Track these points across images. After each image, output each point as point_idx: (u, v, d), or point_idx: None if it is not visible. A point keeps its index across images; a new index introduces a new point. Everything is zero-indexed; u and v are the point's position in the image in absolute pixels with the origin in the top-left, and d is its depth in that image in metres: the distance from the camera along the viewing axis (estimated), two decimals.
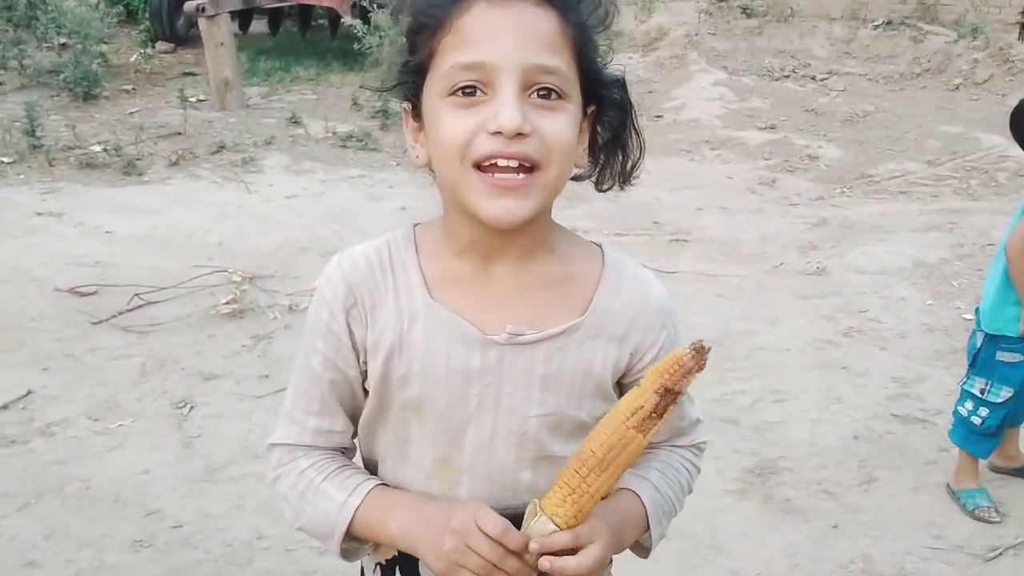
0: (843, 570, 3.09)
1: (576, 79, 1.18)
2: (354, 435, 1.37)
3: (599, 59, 1.23)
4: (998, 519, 3.32)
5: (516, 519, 1.20)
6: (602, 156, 1.29)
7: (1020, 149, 3.35)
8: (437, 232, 1.30)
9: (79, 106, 8.53)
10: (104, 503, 3.31)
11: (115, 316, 4.66)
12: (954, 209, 6.82)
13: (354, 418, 1.35)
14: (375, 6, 8.75)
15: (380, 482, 1.31)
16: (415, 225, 1.33)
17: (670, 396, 1.12)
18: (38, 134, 7.02)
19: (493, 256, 1.25)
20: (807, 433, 3.88)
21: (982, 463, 3.53)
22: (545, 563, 1.16)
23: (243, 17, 11.03)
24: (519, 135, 1.12)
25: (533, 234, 1.24)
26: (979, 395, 3.33)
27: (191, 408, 3.93)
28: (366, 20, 8.85)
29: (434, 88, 1.17)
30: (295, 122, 8.23)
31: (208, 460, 3.58)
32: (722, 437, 3.78)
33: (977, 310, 3.41)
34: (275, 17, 11.47)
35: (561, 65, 1.15)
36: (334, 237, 5.86)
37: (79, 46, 8.76)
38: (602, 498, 1.18)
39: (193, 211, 6.17)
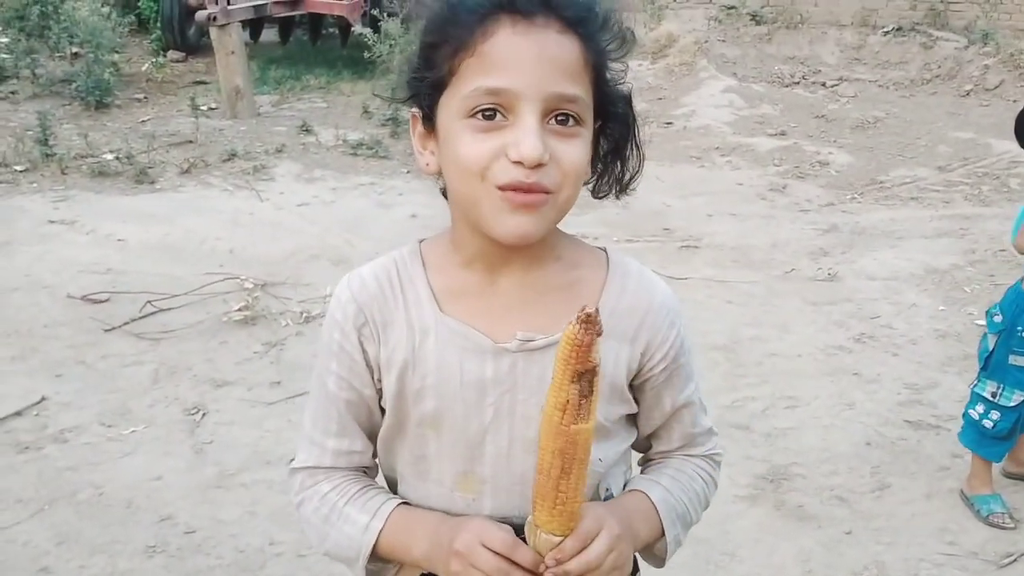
0: None
1: (592, 103, 1.20)
2: (374, 454, 1.37)
3: (614, 78, 1.25)
4: (1012, 525, 3.30)
5: None
6: (600, 166, 1.30)
7: None
8: (443, 246, 1.31)
9: (91, 115, 8.59)
10: (117, 509, 3.32)
11: (127, 323, 4.69)
12: (965, 215, 6.80)
13: (373, 437, 1.35)
14: (385, 14, 8.78)
15: (401, 501, 1.31)
16: (420, 241, 1.34)
17: (588, 375, 1.10)
18: (51, 143, 7.06)
19: (500, 266, 1.27)
20: (819, 439, 3.87)
21: (996, 469, 3.52)
22: (551, 560, 1.16)
23: (254, 26, 11.07)
24: (538, 165, 1.13)
25: (539, 243, 1.24)
26: (991, 398, 3.32)
27: (203, 415, 3.94)
28: (376, 29, 8.88)
29: (452, 106, 1.17)
30: (306, 130, 8.26)
31: (220, 466, 3.59)
32: (734, 443, 3.77)
33: (987, 313, 3.40)
34: (286, 26, 11.51)
35: (581, 93, 1.17)
36: (345, 245, 5.88)
37: (91, 55, 8.81)
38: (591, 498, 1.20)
39: (205, 219, 6.20)
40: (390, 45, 8.54)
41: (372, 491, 1.33)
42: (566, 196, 1.20)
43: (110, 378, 4.20)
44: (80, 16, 9.02)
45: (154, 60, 9.93)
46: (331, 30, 11.85)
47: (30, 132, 7.28)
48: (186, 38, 10.77)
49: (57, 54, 9.52)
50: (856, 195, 7.33)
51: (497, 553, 1.17)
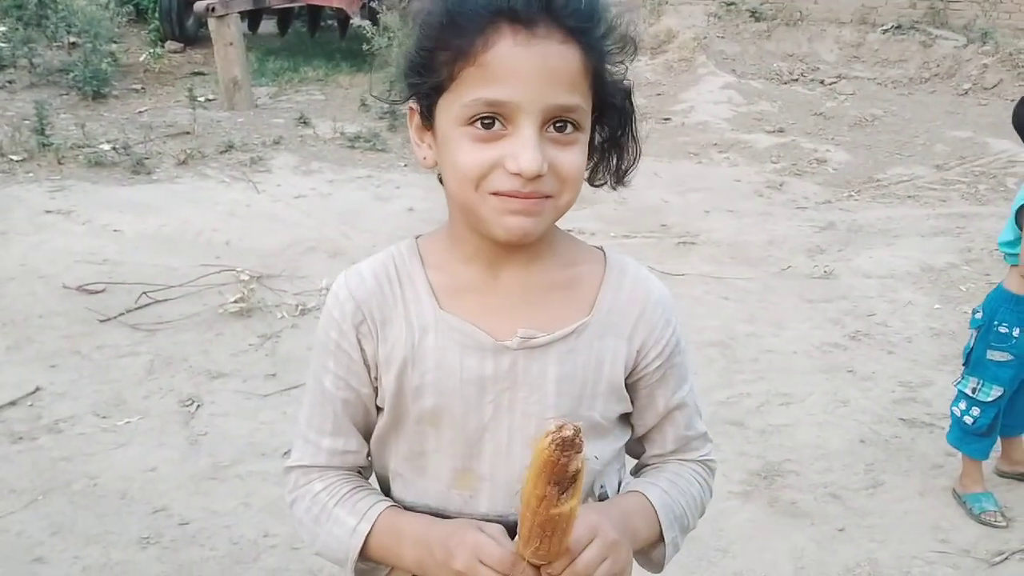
0: (849, 573, 3.08)
1: (591, 106, 1.20)
2: (369, 454, 1.37)
3: (615, 75, 1.24)
4: (1004, 523, 3.31)
5: None
6: (596, 155, 1.29)
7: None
8: (442, 242, 1.31)
9: (88, 105, 8.56)
10: (111, 500, 3.32)
11: (123, 314, 4.68)
12: (962, 214, 6.81)
13: (368, 436, 1.35)
14: (384, 7, 8.76)
15: (390, 504, 1.31)
16: (417, 237, 1.34)
17: (566, 482, 1.06)
18: (47, 132, 7.04)
19: (500, 263, 1.26)
20: (813, 436, 3.88)
21: (988, 468, 3.53)
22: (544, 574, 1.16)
23: (252, 17, 11.05)
24: (537, 176, 1.14)
25: (538, 240, 1.24)
26: (971, 394, 3.36)
27: (198, 406, 3.94)
28: (375, 21, 8.86)
29: (451, 112, 1.17)
30: (303, 122, 8.25)
31: (215, 458, 3.58)
32: (728, 440, 3.78)
33: (973, 311, 3.43)
34: (284, 17, 11.50)
35: (580, 101, 1.17)
36: (341, 237, 5.87)
37: (89, 45, 8.78)
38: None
39: (201, 210, 6.18)
40: (389, 38, 8.53)
41: (362, 492, 1.32)
42: (566, 200, 1.20)
43: (105, 369, 4.20)
44: (78, 6, 9.01)
45: (152, 51, 9.91)
46: (330, 22, 11.84)
47: (27, 121, 7.26)
48: (184, 29, 10.74)
49: (55, 43, 9.48)
50: (853, 193, 7.34)
51: (496, 570, 1.16)
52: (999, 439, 3.55)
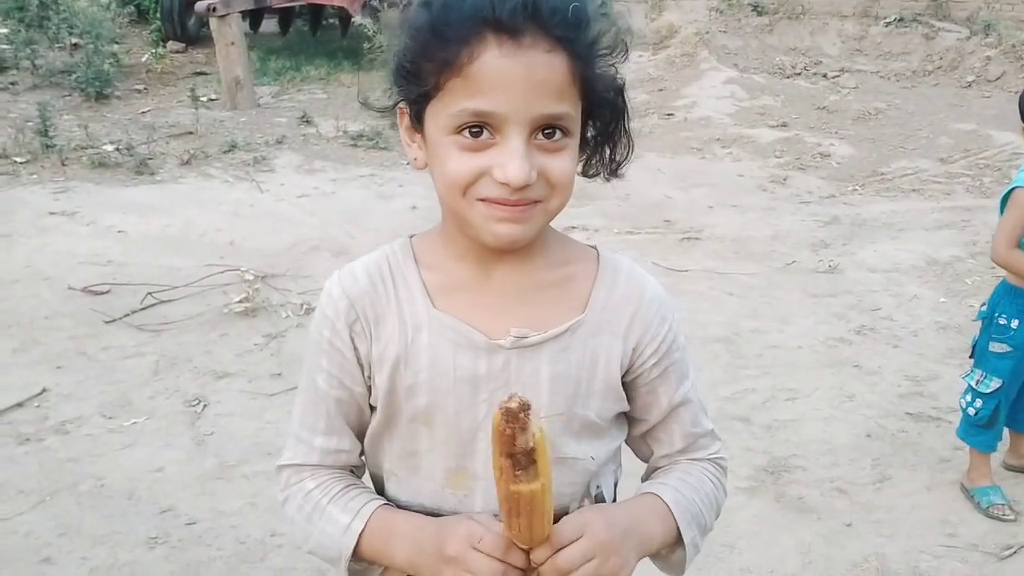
0: (856, 568, 3.08)
1: (580, 110, 1.19)
2: (362, 452, 1.36)
3: (605, 76, 1.21)
4: (1012, 517, 3.30)
5: None
6: (589, 149, 1.28)
7: None
8: (435, 241, 1.31)
9: (91, 106, 8.57)
10: (118, 500, 3.32)
11: (128, 315, 4.69)
12: (967, 207, 6.79)
13: (361, 435, 1.34)
14: (385, 5, 8.75)
15: (383, 503, 1.30)
16: (411, 236, 1.34)
17: (520, 457, 1.08)
18: (51, 134, 7.05)
19: (492, 262, 1.26)
20: (819, 431, 3.87)
21: (996, 462, 3.52)
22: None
23: (254, 17, 11.05)
24: (525, 186, 1.14)
25: (531, 240, 1.24)
26: (975, 386, 3.37)
27: (204, 406, 3.94)
28: (376, 19, 8.85)
29: (439, 120, 1.16)
30: (306, 121, 8.24)
31: (221, 458, 3.59)
32: (734, 435, 3.78)
33: (981, 304, 3.43)
34: (286, 16, 11.49)
35: (569, 109, 1.16)
36: (345, 236, 5.87)
37: (91, 46, 8.79)
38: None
39: (205, 210, 6.19)
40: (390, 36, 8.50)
41: (355, 490, 1.32)
42: (556, 204, 1.20)
43: (111, 370, 4.20)
44: (79, 7, 9.02)
45: (154, 51, 9.92)
46: (331, 21, 11.83)
47: (30, 123, 7.27)
48: (186, 29, 10.74)
49: (57, 45, 9.49)
50: (857, 187, 7.32)
51: (490, 556, 1.16)
52: (1008, 432, 3.55)
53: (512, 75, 1.11)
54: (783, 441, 3.80)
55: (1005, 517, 3.30)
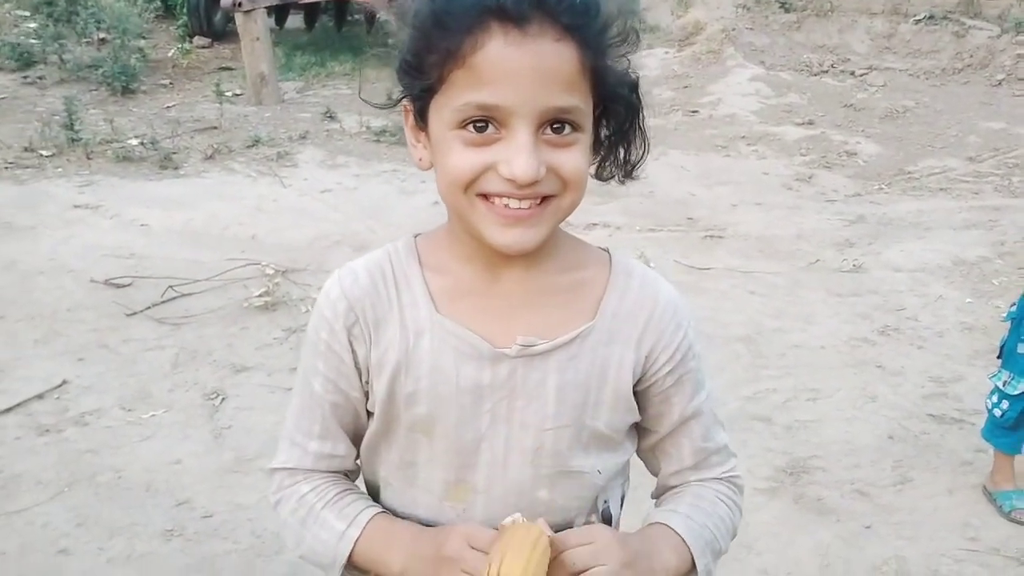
0: (876, 571, 3.04)
1: (592, 104, 1.13)
2: (357, 457, 1.32)
3: (617, 67, 1.16)
4: None
5: None
6: (603, 149, 1.22)
7: None
8: (441, 241, 1.26)
9: (117, 100, 8.63)
10: (136, 492, 3.34)
11: (149, 308, 4.71)
12: (995, 206, 6.70)
13: (357, 441, 1.30)
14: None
15: (380, 510, 1.27)
16: (415, 236, 1.29)
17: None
18: (76, 128, 7.10)
19: (500, 265, 1.20)
20: (841, 432, 3.83)
21: (1020, 465, 3.47)
22: None
23: (279, 12, 11.09)
24: (533, 183, 1.08)
25: (542, 243, 1.18)
26: (1002, 387, 3.32)
27: (223, 399, 3.95)
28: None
29: (443, 115, 1.11)
30: (330, 116, 8.27)
31: (238, 451, 3.59)
32: (754, 435, 3.74)
33: (1011, 305, 3.38)
34: (311, 12, 11.53)
35: (579, 102, 1.10)
36: (367, 231, 5.88)
37: (118, 41, 8.87)
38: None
39: (228, 204, 6.21)
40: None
41: (352, 496, 1.28)
42: (569, 201, 1.14)
43: (131, 362, 4.22)
44: (107, 2, 9.08)
45: (180, 46, 9.99)
46: (356, 16, 11.86)
47: (56, 117, 7.32)
48: (212, 24, 10.81)
49: (84, 40, 9.57)
50: (884, 185, 7.25)
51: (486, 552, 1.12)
52: None
53: (518, 65, 1.05)
54: (803, 442, 3.76)
55: None
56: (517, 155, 1.07)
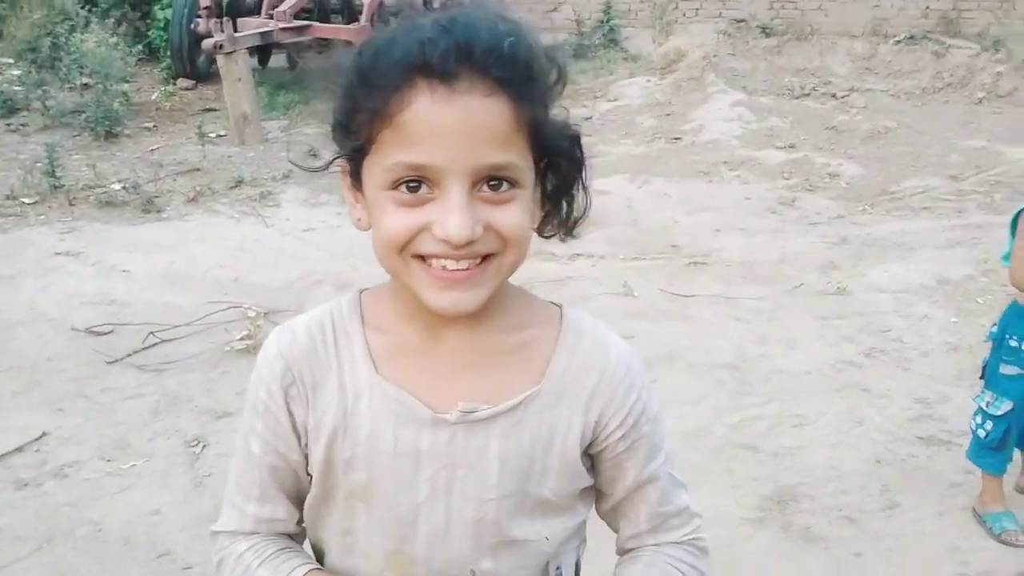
0: None
1: (530, 159, 1.10)
2: (301, 520, 1.28)
3: (555, 121, 1.12)
4: None
5: None
6: (549, 205, 1.18)
7: None
8: (384, 298, 1.22)
9: (101, 145, 8.62)
10: (114, 546, 3.29)
11: (130, 355, 4.67)
12: (978, 224, 6.71)
13: (300, 502, 1.26)
14: None
15: (315, 567, 1.23)
16: (361, 291, 1.25)
17: None
18: (58, 174, 7.08)
19: (442, 325, 1.16)
20: (827, 458, 3.80)
21: (1008, 486, 3.44)
22: None
23: (262, 52, 11.12)
24: (468, 243, 1.05)
25: (483, 304, 1.14)
26: (985, 408, 3.31)
27: (203, 446, 3.91)
28: None
29: (375, 175, 1.08)
30: (313, 155, 8.21)
31: (218, 499, 3.50)
32: (740, 464, 3.72)
33: (992, 324, 3.37)
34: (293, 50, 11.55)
35: (514, 158, 1.06)
36: (349, 269, 5.85)
37: (100, 85, 8.86)
38: None
39: (210, 247, 6.19)
40: None
41: (289, 554, 1.24)
42: (512, 259, 1.10)
43: (111, 411, 4.18)
44: (89, 47, 9.09)
45: (163, 88, 9.99)
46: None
47: (39, 164, 7.30)
48: (196, 66, 10.81)
49: (67, 85, 9.57)
50: (867, 207, 7.25)
51: None
52: (1019, 455, 3.48)
53: (447, 124, 1.02)
54: (790, 468, 3.73)
55: (1017, 543, 3.23)
56: (450, 215, 1.04)
